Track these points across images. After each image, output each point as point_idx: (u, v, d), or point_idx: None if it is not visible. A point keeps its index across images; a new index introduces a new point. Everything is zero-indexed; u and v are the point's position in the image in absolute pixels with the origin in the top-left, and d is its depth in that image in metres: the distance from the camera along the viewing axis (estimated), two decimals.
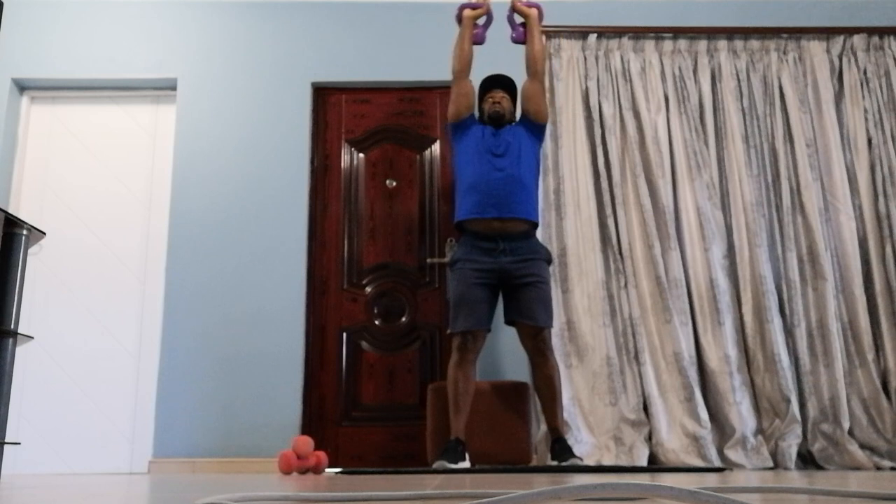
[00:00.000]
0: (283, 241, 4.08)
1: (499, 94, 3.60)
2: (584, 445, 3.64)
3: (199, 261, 4.04)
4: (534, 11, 3.63)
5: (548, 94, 4.16)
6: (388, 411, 3.95)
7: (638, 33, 4.25)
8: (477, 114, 3.65)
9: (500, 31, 4.00)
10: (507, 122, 3.58)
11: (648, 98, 4.17)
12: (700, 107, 4.19)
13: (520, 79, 3.70)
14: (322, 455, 3.23)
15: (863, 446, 3.70)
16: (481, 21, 3.69)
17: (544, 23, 4.26)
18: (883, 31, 4.30)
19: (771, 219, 4.06)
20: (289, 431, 3.84)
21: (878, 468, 3.59)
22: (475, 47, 3.66)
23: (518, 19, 3.69)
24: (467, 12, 3.61)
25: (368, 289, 4.09)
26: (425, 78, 4.28)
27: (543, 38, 3.86)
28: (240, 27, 4.34)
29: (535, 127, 3.54)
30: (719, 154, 4.14)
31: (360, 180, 4.23)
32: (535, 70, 3.57)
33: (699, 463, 3.58)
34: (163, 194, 4.24)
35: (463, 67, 3.56)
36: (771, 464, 3.62)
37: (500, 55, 4.09)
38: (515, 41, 3.69)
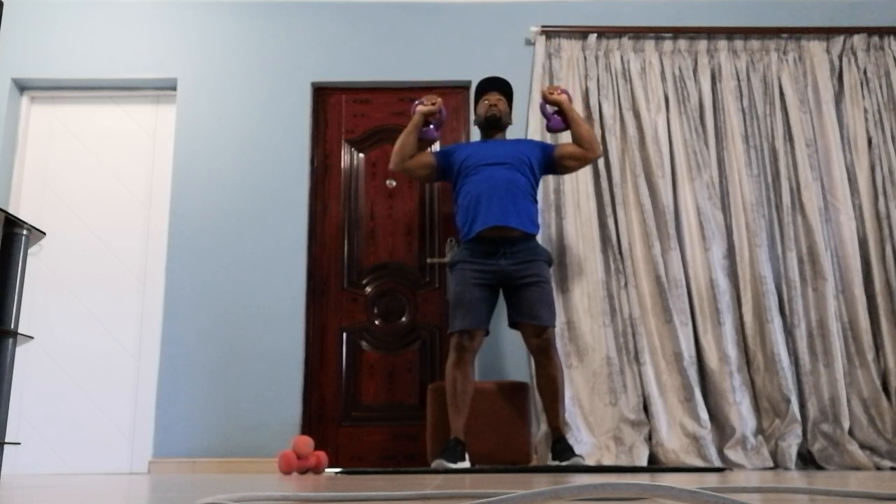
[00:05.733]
0: (283, 241, 4.08)
1: (495, 97, 3.60)
2: (584, 445, 3.64)
3: (199, 260, 4.04)
4: (564, 97, 3.50)
5: None
6: (388, 411, 3.95)
7: (638, 33, 4.25)
8: (473, 117, 3.65)
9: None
10: (504, 125, 3.60)
11: (648, 98, 4.17)
12: (700, 107, 4.19)
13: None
14: (322, 455, 3.24)
15: (863, 446, 3.70)
16: (436, 118, 3.57)
17: (544, 22, 4.28)
18: (883, 31, 4.30)
19: (771, 219, 4.06)
20: (289, 431, 3.84)
21: (878, 468, 3.59)
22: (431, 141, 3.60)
23: (550, 108, 3.56)
24: (420, 108, 3.52)
25: (368, 289, 4.09)
26: (425, 78, 4.28)
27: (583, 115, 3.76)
28: (240, 27, 4.34)
29: (553, 167, 3.54)
30: (719, 154, 4.14)
31: (360, 180, 4.23)
32: (593, 150, 3.45)
33: (699, 463, 3.58)
34: (163, 194, 4.24)
35: (400, 163, 3.50)
36: (771, 464, 3.62)
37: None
38: (553, 130, 3.54)
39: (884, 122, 4.16)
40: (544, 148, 3.54)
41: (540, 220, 3.91)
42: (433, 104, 3.53)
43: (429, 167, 3.55)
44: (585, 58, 4.23)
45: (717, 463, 3.60)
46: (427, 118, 3.55)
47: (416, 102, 3.57)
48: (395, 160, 3.52)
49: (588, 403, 3.77)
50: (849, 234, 3.99)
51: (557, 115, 3.52)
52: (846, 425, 3.69)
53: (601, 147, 3.55)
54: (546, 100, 3.53)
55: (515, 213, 3.33)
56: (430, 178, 3.62)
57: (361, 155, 4.26)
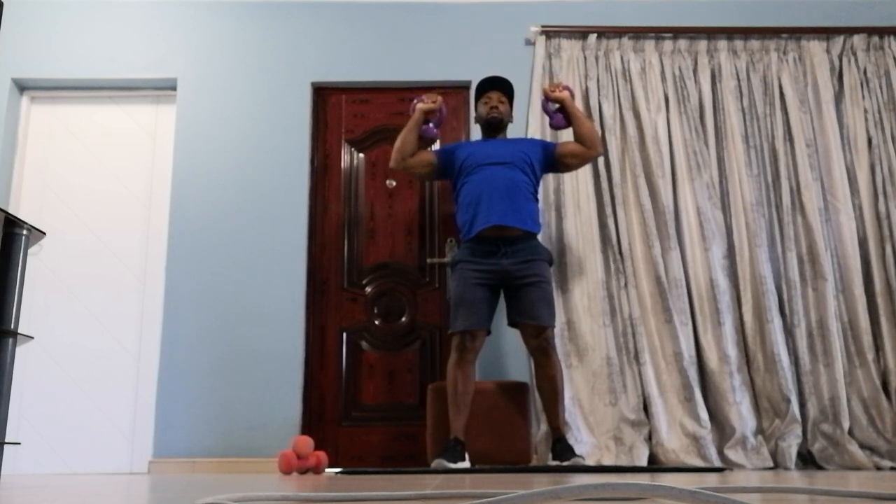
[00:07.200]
0: (283, 241, 4.08)
1: (496, 97, 3.59)
2: (584, 445, 3.64)
3: (199, 261, 4.04)
4: (566, 94, 3.50)
5: None
6: (388, 411, 3.95)
7: (638, 33, 4.25)
8: (473, 116, 3.66)
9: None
10: (505, 125, 3.60)
11: (648, 98, 4.17)
12: (700, 107, 4.19)
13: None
14: (322, 455, 3.24)
15: (863, 446, 3.70)
16: (436, 116, 3.57)
17: (545, 22, 4.28)
18: (883, 31, 4.30)
19: (771, 219, 4.06)
20: (289, 431, 3.84)
21: (878, 468, 3.59)
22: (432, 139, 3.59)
23: (553, 106, 3.55)
24: (420, 106, 3.52)
25: (368, 289, 4.09)
26: (425, 78, 4.28)
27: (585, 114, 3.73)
28: (240, 27, 4.34)
29: (554, 165, 3.52)
30: (719, 154, 4.14)
31: (360, 180, 4.23)
32: (594, 148, 3.44)
33: (699, 463, 3.58)
34: (163, 194, 4.24)
35: (401, 161, 3.50)
36: (771, 464, 3.62)
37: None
38: (556, 128, 3.55)
39: (884, 122, 4.16)
40: (546, 146, 3.54)
41: (540, 220, 3.91)
42: (433, 102, 3.54)
43: (429, 165, 3.55)
44: (585, 58, 4.23)
45: (717, 463, 3.60)
46: (427, 116, 3.55)
47: (416, 100, 3.58)
48: (395, 158, 3.52)
49: (588, 403, 3.77)
50: (849, 234, 3.99)
51: (559, 112, 3.53)
52: (846, 425, 3.69)
53: (602, 145, 3.56)
54: (548, 97, 3.54)
55: (516, 212, 3.33)
56: (431, 177, 3.62)
57: (361, 155, 4.26)
